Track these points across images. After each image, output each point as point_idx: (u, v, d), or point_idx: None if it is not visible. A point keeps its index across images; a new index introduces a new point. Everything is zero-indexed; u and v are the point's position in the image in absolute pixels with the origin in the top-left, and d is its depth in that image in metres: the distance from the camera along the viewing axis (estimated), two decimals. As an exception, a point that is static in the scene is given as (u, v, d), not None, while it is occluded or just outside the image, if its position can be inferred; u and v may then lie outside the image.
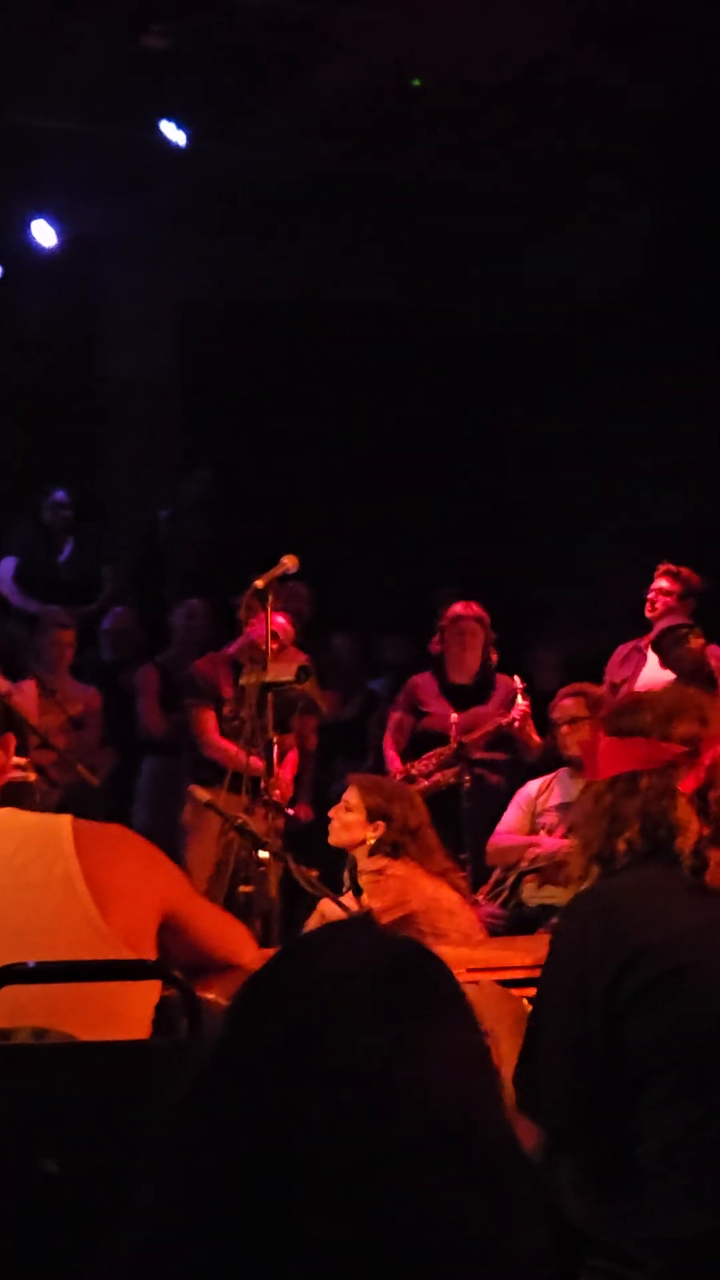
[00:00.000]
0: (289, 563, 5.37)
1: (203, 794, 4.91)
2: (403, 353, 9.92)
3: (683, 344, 8.64)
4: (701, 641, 6.71)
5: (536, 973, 2.95)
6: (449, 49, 7.66)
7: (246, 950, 2.83)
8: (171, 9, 7.70)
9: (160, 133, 8.50)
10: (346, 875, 5.06)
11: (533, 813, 6.22)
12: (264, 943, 3.89)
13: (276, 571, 5.35)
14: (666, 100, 8.17)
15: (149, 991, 2.50)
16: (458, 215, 9.20)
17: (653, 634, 7.02)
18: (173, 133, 8.51)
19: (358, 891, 4.89)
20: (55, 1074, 2.19)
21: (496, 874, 6.20)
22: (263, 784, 5.40)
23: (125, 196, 9.04)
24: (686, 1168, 2.26)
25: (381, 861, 4.88)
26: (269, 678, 5.35)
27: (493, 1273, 1.16)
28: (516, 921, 5.87)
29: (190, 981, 2.31)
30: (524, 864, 6.06)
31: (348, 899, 4.82)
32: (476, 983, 3.00)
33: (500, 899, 6.05)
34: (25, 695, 6.95)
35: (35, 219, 9.18)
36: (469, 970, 3.22)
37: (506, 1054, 2.46)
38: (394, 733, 7.15)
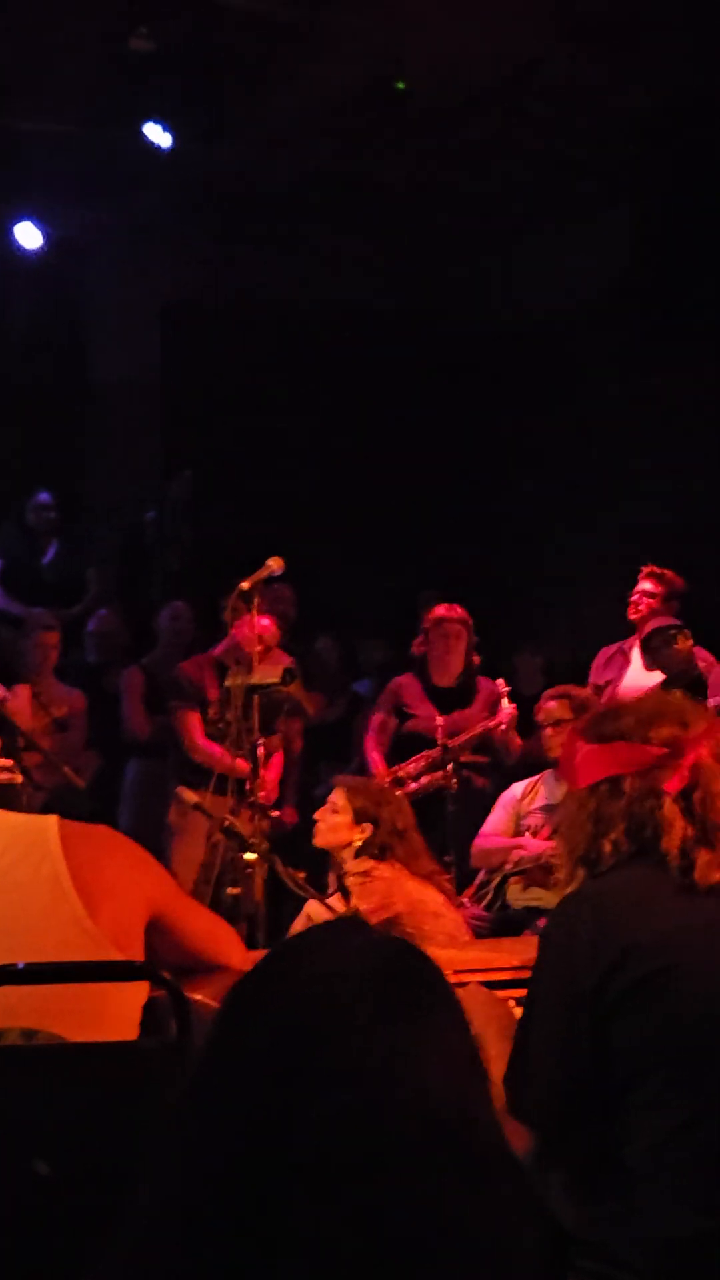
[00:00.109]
0: (274, 565, 5.37)
1: (190, 796, 4.91)
2: (388, 354, 9.93)
3: (668, 346, 8.67)
4: (690, 643, 6.73)
5: (523, 974, 2.96)
6: (435, 53, 7.69)
7: (235, 951, 2.83)
8: (157, 12, 7.70)
9: (145, 135, 8.50)
10: (332, 877, 5.07)
11: (517, 815, 6.23)
12: (250, 945, 3.88)
13: (262, 574, 5.34)
14: (652, 102, 8.20)
15: (137, 992, 2.50)
16: (442, 218, 9.23)
17: (637, 636, 7.04)
18: (158, 135, 8.52)
19: (345, 893, 4.89)
20: (45, 1075, 2.19)
21: (481, 876, 6.20)
22: (248, 786, 5.40)
23: (110, 199, 9.05)
24: (675, 1168, 2.27)
25: (367, 864, 4.88)
26: (255, 680, 5.35)
27: (490, 1272, 1.16)
28: (501, 924, 5.87)
29: (178, 982, 2.31)
30: (509, 866, 6.05)
31: (335, 901, 4.82)
32: (464, 984, 3.00)
33: (485, 901, 6.05)
34: (19, 700, 6.95)
35: (20, 221, 9.18)
36: (455, 972, 3.22)
37: (494, 1057, 2.47)
38: (377, 734, 7.13)
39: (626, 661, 7.09)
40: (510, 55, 7.90)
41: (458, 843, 6.26)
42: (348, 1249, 1.12)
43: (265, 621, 6.25)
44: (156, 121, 8.47)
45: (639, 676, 6.92)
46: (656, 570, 7.11)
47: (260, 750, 5.43)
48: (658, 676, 6.80)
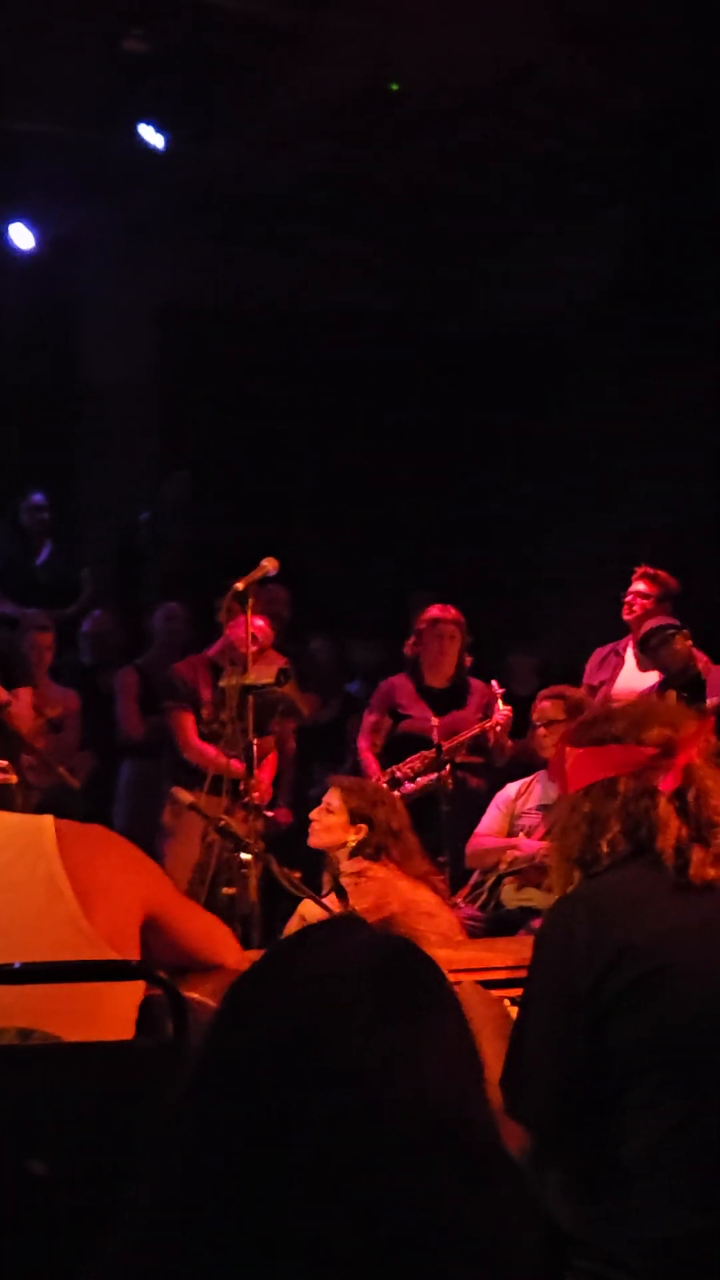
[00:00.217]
0: (268, 565, 5.38)
1: (186, 796, 4.90)
2: (382, 356, 9.94)
3: (666, 347, 8.68)
4: (689, 643, 6.73)
5: (517, 974, 2.95)
6: (432, 55, 7.69)
7: (230, 951, 2.83)
8: (151, 13, 7.70)
9: (139, 136, 8.50)
10: (327, 877, 5.06)
11: (512, 815, 6.23)
12: (244, 945, 3.88)
13: (256, 574, 5.35)
14: (649, 104, 8.21)
15: (132, 991, 2.50)
16: (439, 219, 9.23)
17: (631, 636, 7.04)
18: (152, 136, 8.52)
19: (340, 893, 4.89)
20: (41, 1075, 2.19)
21: (475, 876, 6.20)
22: (242, 786, 5.40)
23: (104, 200, 9.05)
24: (671, 1167, 2.27)
25: (361, 864, 4.88)
26: (249, 680, 5.35)
27: (489, 1272, 1.16)
28: (495, 924, 5.87)
29: (174, 981, 2.31)
30: (503, 866, 6.06)
31: (330, 901, 4.82)
32: (458, 984, 3.00)
33: (479, 901, 6.05)
34: (21, 704, 6.96)
35: (13, 222, 9.17)
36: (450, 971, 3.22)
37: (488, 1057, 2.46)
38: (370, 734, 7.13)
39: (620, 662, 7.10)
40: (508, 57, 7.90)
41: (452, 843, 6.26)
42: (347, 1249, 1.12)
43: (260, 622, 6.25)
44: (150, 123, 8.47)
45: (633, 677, 6.93)
46: (650, 571, 7.12)
47: (255, 750, 5.43)
48: (652, 677, 6.81)
